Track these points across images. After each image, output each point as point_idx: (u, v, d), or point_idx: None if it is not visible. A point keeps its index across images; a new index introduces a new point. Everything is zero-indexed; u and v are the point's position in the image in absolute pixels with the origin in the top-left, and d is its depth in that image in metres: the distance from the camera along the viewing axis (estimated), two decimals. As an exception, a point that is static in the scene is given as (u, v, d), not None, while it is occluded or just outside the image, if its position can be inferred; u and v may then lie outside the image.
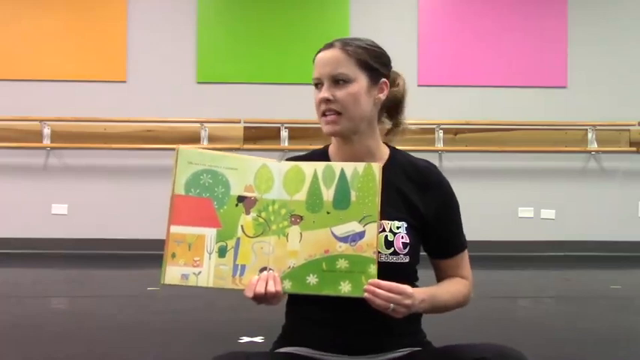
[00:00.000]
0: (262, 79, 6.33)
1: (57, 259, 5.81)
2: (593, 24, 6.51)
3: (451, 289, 1.50)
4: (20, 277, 5.01)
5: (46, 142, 6.17)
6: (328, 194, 1.33)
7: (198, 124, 6.19)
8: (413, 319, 1.50)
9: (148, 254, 6.00)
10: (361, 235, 1.30)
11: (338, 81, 1.43)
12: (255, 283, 1.29)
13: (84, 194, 6.19)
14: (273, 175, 1.34)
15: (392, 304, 1.30)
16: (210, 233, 1.29)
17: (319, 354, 1.43)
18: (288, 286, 1.30)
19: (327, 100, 1.43)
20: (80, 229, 6.13)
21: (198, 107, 6.23)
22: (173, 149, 1.38)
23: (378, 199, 1.31)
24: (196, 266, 1.27)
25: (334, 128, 1.44)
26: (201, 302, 3.78)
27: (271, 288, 1.28)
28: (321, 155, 1.55)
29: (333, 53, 1.44)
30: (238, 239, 1.30)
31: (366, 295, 1.29)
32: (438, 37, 6.44)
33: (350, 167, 1.34)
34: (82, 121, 6.15)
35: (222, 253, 1.29)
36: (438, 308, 1.45)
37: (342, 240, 1.30)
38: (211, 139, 6.22)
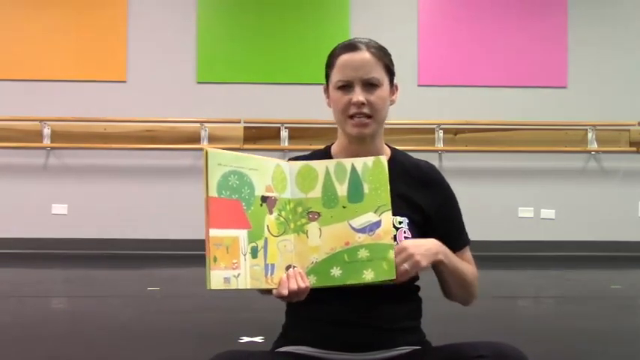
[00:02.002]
0: (262, 79, 6.33)
1: (57, 259, 5.81)
2: (593, 24, 6.50)
3: (465, 264, 1.51)
4: (20, 277, 5.01)
5: (46, 142, 6.17)
6: (342, 189, 1.37)
7: (198, 124, 6.19)
8: (412, 316, 1.50)
9: (148, 254, 6.01)
10: (378, 224, 1.35)
11: (370, 85, 1.45)
12: (286, 280, 1.31)
13: (84, 194, 6.19)
14: (286, 175, 1.38)
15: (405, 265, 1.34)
16: (242, 235, 1.29)
17: (319, 352, 1.43)
18: (313, 280, 1.34)
19: (361, 104, 1.44)
20: (80, 229, 6.13)
21: (198, 107, 6.23)
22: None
23: (388, 189, 1.37)
24: (235, 268, 1.26)
25: (364, 131, 1.47)
26: (201, 302, 3.78)
27: (301, 284, 1.31)
28: (324, 155, 1.56)
29: (364, 56, 1.45)
30: (266, 239, 1.32)
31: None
32: (438, 37, 6.44)
33: (360, 162, 1.39)
34: (82, 121, 6.15)
35: (254, 253, 1.30)
36: (455, 271, 1.45)
37: (360, 231, 1.35)
38: (211, 139, 6.22)
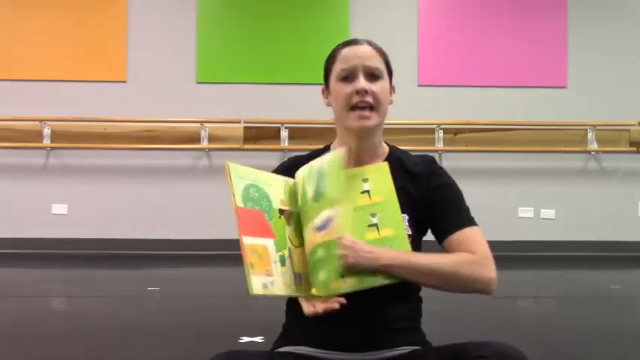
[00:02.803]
0: (262, 79, 6.33)
1: (57, 259, 5.80)
2: (593, 24, 6.51)
3: (446, 255, 1.41)
4: (20, 277, 5.01)
5: (46, 142, 6.17)
6: (310, 192, 1.38)
7: (198, 124, 6.19)
8: (412, 316, 1.50)
9: (148, 254, 6.01)
10: (332, 219, 1.32)
11: (373, 75, 1.46)
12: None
13: (84, 194, 6.19)
14: (293, 191, 1.41)
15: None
16: (270, 243, 1.30)
17: (319, 352, 1.43)
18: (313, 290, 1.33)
19: (364, 92, 1.44)
20: (80, 229, 6.13)
21: (198, 107, 6.23)
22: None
23: (343, 182, 1.35)
24: (269, 275, 1.27)
25: (367, 123, 1.45)
26: (201, 302, 3.78)
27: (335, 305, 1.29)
28: (324, 154, 1.55)
29: (366, 48, 1.48)
30: (289, 249, 1.33)
31: None
32: (438, 37, 6.44)
33: (318, 162, 1.40)
34: (82, 121, 6.15)
35: (282, 262, 1.31)
36: (421, 268, 1.34)
37: (319, 229, 1.32)
38: (211, 139, 6.22)
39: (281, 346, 1.49)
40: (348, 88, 1.45)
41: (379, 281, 1.32)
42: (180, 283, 4.71)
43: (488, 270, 1.41)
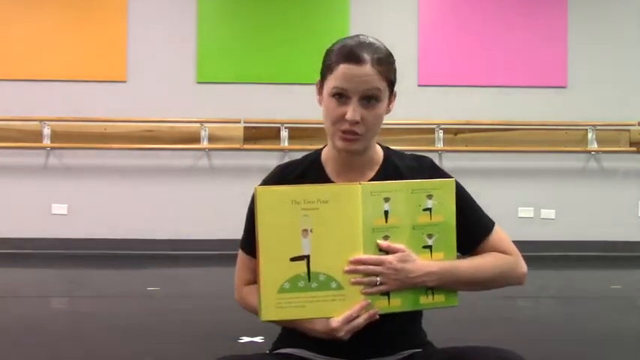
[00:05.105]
0: (262, 79, 6.33)
1: (57, 259, 5.80)
2: (593, 24, 6.50)
3: (483, 259, 1.44)
4: (20, 277, 5.01)
5: (46, 142, 6.17)
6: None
7: (198, 124, 6.19)
8: (413, 320, 1.49)
9: (148, 254, 6.00)
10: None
11: (368, 100, 1.36)
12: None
13: (84, 194, 6.19)
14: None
15: (377, 278, 1.31)
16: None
17: (319, 357, 1.42)
18: None
19: (354, 123, 1.35)
20: (80, 229, 6.13)
21: (198, 107, 6.23)
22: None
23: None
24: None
25: (352, 146, 1.38)
26: (201, 302, 3.78)
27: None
28: (314, 162, 1.50)
29: (367, 71, 1.34)
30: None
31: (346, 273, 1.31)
32: (438, 37, 6.44)
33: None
34: (82, 121, 6.14)
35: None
36: (465, 281, 1.38)
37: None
38: (211, 139, 6.22)
39: (281, 348, 1.49)
40: (338, 110, 1.36)
41: (419, 305, 1.37)
42: (180, 283, 4.71)
43: (522, 266, 1.53)
